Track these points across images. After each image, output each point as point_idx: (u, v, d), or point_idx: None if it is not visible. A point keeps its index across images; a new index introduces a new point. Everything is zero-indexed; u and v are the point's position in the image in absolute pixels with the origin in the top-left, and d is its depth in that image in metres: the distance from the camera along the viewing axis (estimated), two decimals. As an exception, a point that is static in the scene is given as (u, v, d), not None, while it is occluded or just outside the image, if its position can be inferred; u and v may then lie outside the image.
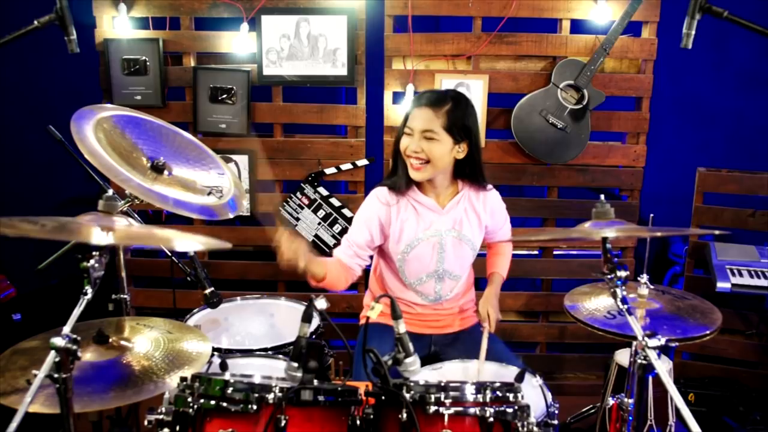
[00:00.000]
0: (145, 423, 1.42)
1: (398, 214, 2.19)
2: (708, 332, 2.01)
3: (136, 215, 2.11)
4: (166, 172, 1.90)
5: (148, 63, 2.98)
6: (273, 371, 1.87)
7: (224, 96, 3.01)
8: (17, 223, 1.29)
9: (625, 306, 1.51)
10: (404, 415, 1.38)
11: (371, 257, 2.31)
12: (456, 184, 2.24)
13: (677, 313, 2.09)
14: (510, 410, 1.43)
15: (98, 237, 1.40)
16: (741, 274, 2.74)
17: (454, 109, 2.09)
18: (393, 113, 3.06)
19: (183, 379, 1.47)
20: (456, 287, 2.29)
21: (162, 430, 1.41)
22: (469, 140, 2.13)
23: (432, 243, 2.20)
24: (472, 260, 2.31)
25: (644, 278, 2.17)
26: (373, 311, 1.58)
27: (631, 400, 1.79)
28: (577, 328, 2.08)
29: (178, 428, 1.42)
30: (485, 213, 2.27)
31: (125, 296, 2.07)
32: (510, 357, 2.17)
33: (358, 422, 1.44)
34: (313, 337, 2.16)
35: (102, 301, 1.92)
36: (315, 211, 3.11)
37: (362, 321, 2.44)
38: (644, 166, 3.10)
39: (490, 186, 2.30)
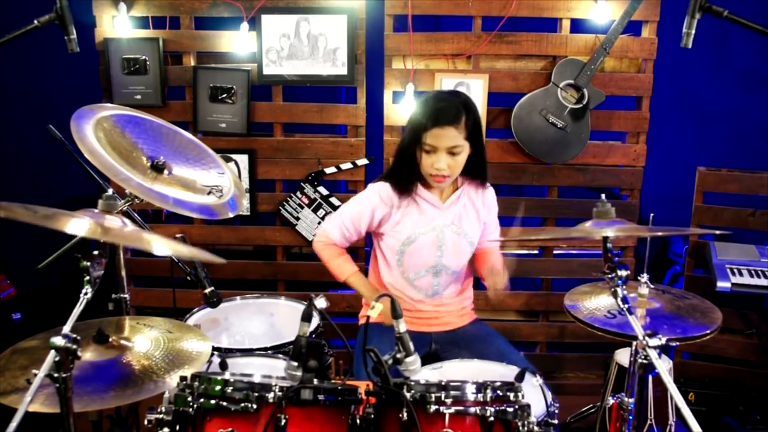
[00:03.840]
0: (145, 422, 1.42)
1: (400, 208, 2.21)
2: (708, 332, 2.00)
3: (136, 215, 2.11)
4: (166, 172, 1.90)
5: (148, 62, 2.98)
6: (273, 371, 1.87)
7: (224, 95, 3.01)
8: (15, 207, 1.29)
9: (626, 305, 1.51)
10: (405, 415, 1.38)
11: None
12: (456, 179, 2.25)
13: (677, 313, 2.09)
14: (510, 409, 1.43)
15: (74, 226, 1.35)
16: (741, 274, 2.74)
17: (469, 118, 2.10)
18: (393, 113, 3.06)
19: (183, 378, 1.47)
20: (453, 283, 2.30)
21: (162, 430, 1.41)
22: (478, 139, 2.16)
23: (432, 237, 2.22)
24: (470, 256, 2.32)
25: (644, 278, 2.16)
26: (373, 311, 1.58)
27: (631, 400, 1.79)
28: (577, 328, 2.08)
29: (178, 428, 1.42)
30: (484, 208, 2.29)
31: (125, 296, 2.06)
32: (512, 353, 2.17)
33: (358, 421, 1.44)
34: (313, 336, 2.16)
35: (102, 301, 1.92)
36: (315, 211, 3.11)
37: (362, 321, 2.45)
38: (644, 166, 3.10)
39: (488, 185, 2.33)
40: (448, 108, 2.09)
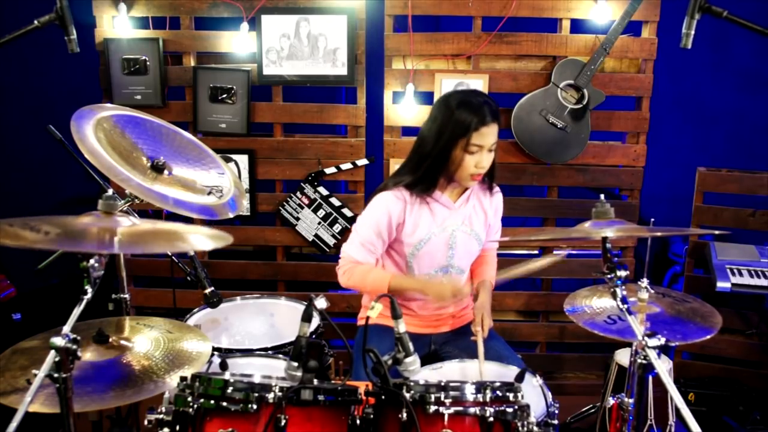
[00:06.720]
0: (145, 423, 1.43)
1: (412, 211, 2.18)
2: (708, 336, 2.00)
3: (135, 215, 2.10)
4: (166, 172, 1.90)
5: (148, 63, 2.98)
6: (273, 371, 1.87)
7: (224, 96, 3.01)
8: (18, 230, 1.27)
9: (625, 306, 1.51)
10: (404, 415, 1.38)
11: None
12: None
13: (677, 317, 2.08)
14: (510, 410, 1.43)
15: (103, 245, 1.35)
16: (741, 274, 2.74)
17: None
18: (393, 113, 3.06)
19: (183, 378, 1.47)
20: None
21: (162, 430, 1.42)
22: None
23: (444, 238, 2.21)
24: (477, 255, 2.34)
25: (644, 282, 2.14)
26: (373, 311, 1.58)
27: (631, 400, 1.79)
28: (576, 328, 2.08)
29: (178, 428, 1.42)
30: (491, 210, 2.30)
31: (125, 296, 2.07)
32: (511, 355, 2.17)
33: (358, 422, 1.44)
34: (313, 336, 2.17)
35: (102, 301, 1.92)
36: (315, 211, 3.11)
37: (361, 322, 2.44)
38: (644, 166, 3.10)
39: (497, 188, 2.34)
40: (490, 105, 2.07)
